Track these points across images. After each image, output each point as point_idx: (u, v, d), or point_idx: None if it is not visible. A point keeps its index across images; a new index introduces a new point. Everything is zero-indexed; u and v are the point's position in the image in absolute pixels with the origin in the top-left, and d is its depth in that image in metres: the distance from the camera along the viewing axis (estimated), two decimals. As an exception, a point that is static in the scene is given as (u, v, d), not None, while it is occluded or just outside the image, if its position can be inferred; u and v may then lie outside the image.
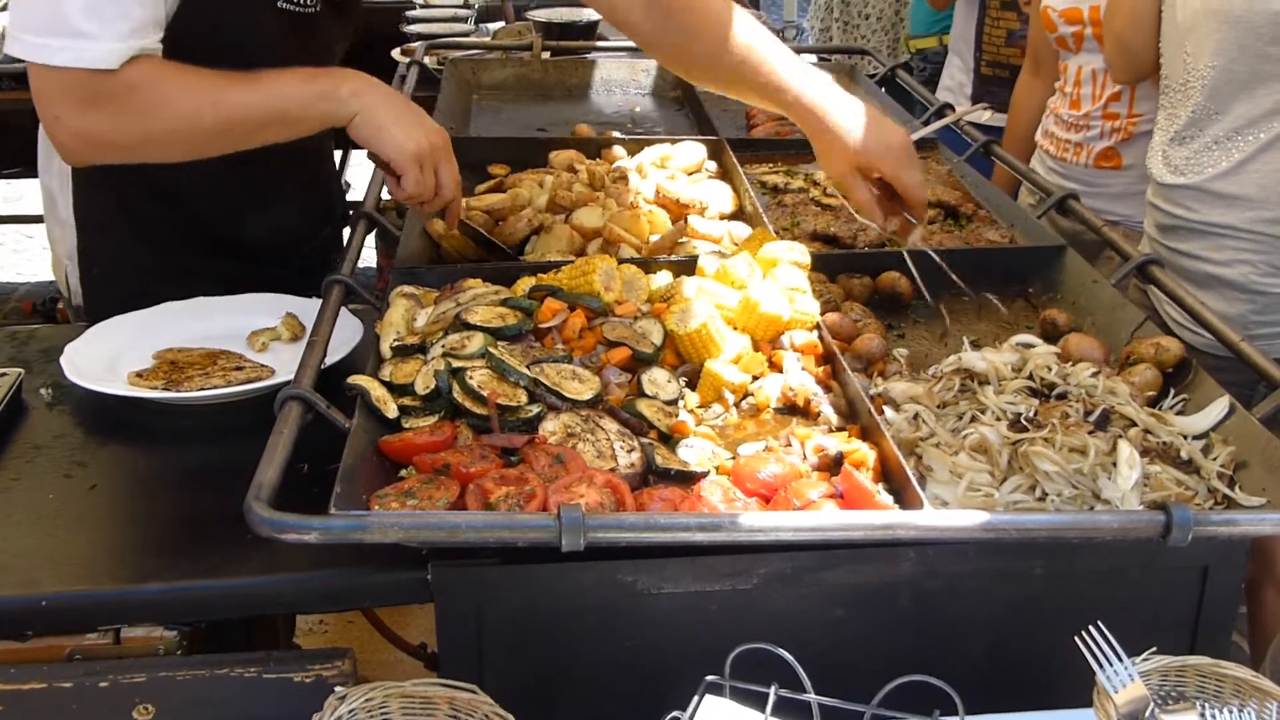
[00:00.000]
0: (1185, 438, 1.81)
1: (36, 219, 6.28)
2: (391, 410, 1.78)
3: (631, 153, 2.86)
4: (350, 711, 1.42)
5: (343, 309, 2.08)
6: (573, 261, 2.12)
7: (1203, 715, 1.42)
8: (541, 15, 4.55)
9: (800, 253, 2.17)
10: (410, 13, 5.26)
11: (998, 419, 1.80)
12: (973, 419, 1.82)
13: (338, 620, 3.49)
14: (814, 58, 4.11)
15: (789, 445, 1.79)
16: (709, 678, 1.40)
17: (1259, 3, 2.38)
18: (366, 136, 2.09)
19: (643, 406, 1.82)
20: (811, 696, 1.38)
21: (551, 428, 1.76)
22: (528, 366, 1.82)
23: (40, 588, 1.64)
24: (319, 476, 1.67)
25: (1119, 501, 1.66)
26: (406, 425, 1.77)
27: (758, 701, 1.38)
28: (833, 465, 1.72)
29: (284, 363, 2.11)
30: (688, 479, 1.70)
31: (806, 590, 1.66)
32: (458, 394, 1.77)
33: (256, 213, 2.56)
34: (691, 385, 1.93)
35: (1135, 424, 1.80)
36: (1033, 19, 3.43)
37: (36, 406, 2.09)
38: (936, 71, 4.46)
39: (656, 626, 1.66)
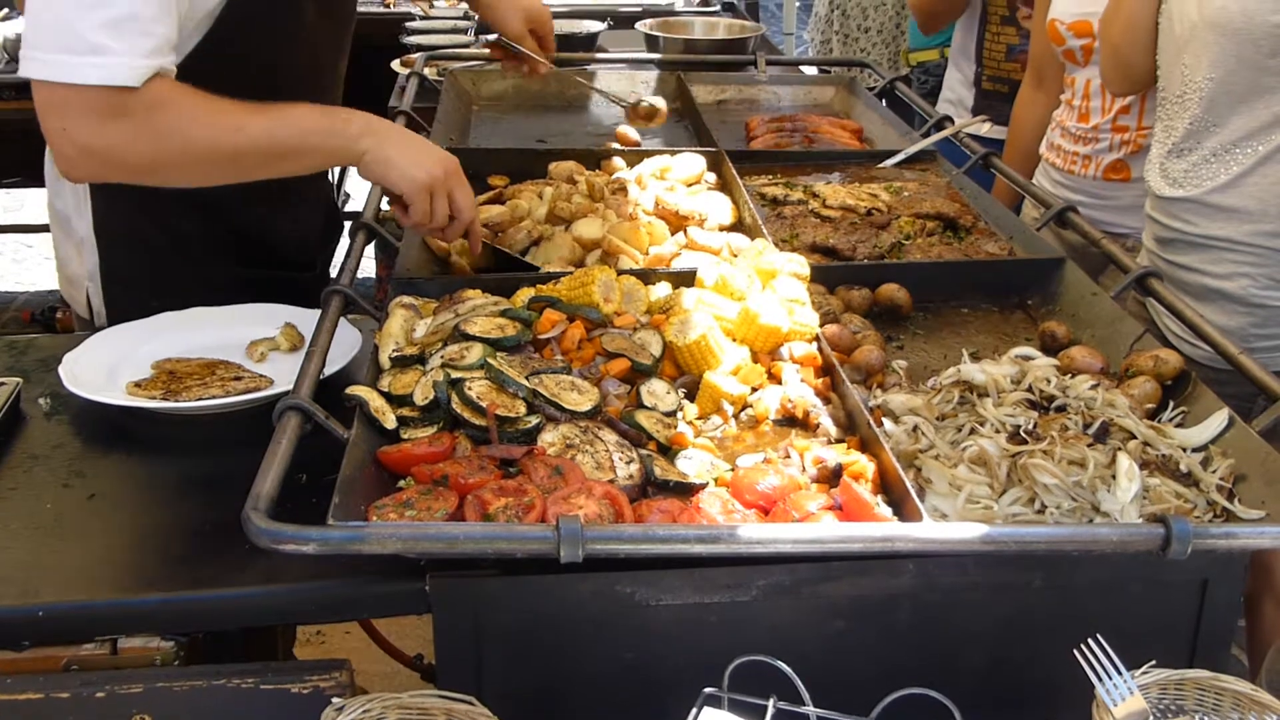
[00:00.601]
0: (1184, 450, 1.81)
1: (36, 228, 6.30)
2: (390, 421, 1.78)
3: (631, 164, 2.87)
4: (347, 723, 1.42)
5: (341, 319, 2.08)
6: (572, 273, 2.12)
7: (1202, 729, 1.42)
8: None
9: (799, 264, 2.18)
10: (410, 24, 5.26)
11: (997, 431, 1.80)
12: (972, 431, 1.81)
13: (335, 631, 3.50)
14: (814, 70, 4.12)
15: (788, 457, 1.79)
16: (707, 690, 1.40)
17: (1257, 15, 2.39)
18: (377, 174, 2.11)
19: (641, 418, 1.82)
20: (810, 709, 1.38)
21: (550, 439, 1.76)
22: (527, 378, 1.82)
23: (37, 598, 1.64)
24: (317, 487, 1.67)
25: (1118, 514, 1.66)
26: (405, 436, 1.77)
27: (756, 714, 1.37)
28: (832, 477, 1.72)
29: (282, 373, 2.11)
30: (686, 491, 1.70)
31: (805, 602, 1.66)
32: (456, 405, 1.77)
33: (280, 218, 2.59)
34: (690, 397, 1.93)
35: (1134, 437, 1.80)
36: (1035, 32, 3.43)
37: (35, 416, 2.09)
38: (937, 84, 4.47)
39: (655, 638, 1.65)
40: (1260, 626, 2.74)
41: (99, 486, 1.89)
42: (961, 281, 2.40)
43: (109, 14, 1.92)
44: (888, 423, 1.87)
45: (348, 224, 2.78)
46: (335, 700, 1.48)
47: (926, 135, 3.15)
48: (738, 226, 2.59)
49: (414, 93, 3.46)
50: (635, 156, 2.91)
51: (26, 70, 1.96)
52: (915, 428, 1.84)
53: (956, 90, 4.20)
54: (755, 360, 1.99)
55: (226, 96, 2.03)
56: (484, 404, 1.76)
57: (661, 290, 2.13)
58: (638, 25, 4.51)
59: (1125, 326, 2.13)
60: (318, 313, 2.04)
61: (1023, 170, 3.34)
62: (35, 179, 2.55)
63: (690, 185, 2.77)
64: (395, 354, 1.93)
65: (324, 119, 2.11)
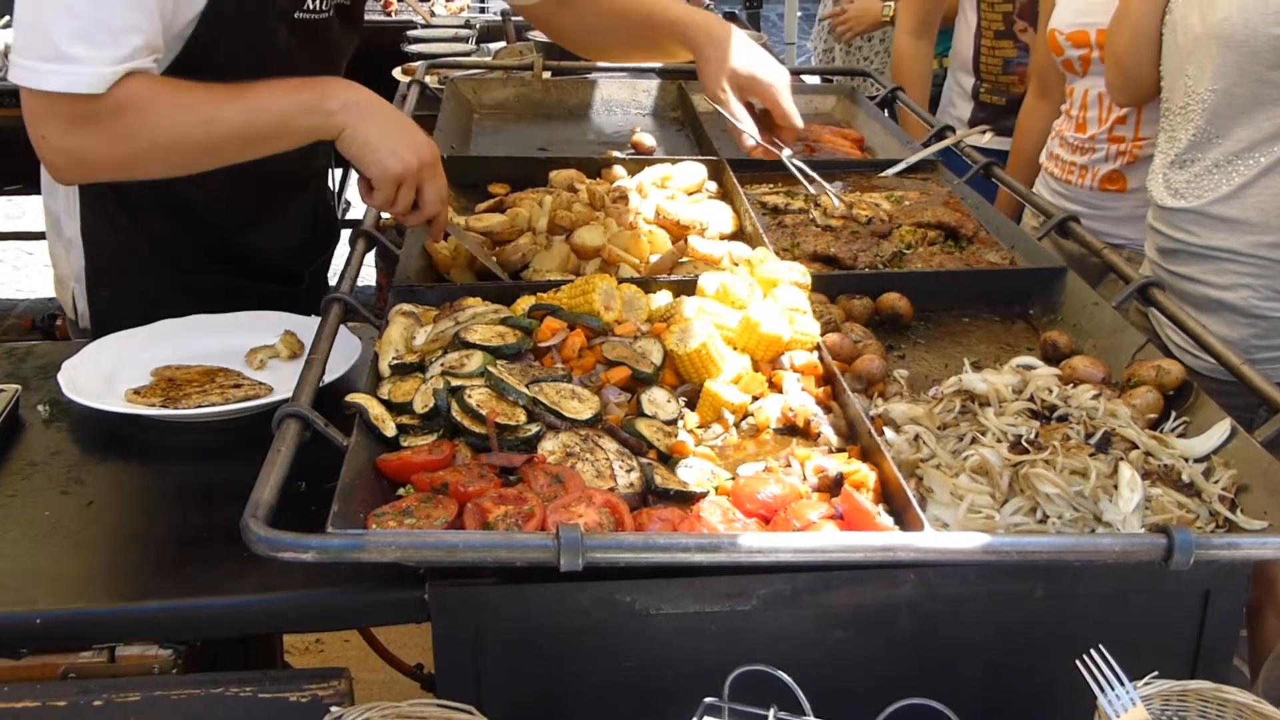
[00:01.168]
0: (1186, 460, 1.80)
1: (37, 235, 6.30)
2: (390, 429, 1.78)
3: (632, 172, 2.86)
4: (346, 732, 1.41)
5: (342, 327, 2.08)
6: (572, 280, 2.12)
7: (1205, 740, 1.42)
8: (543, 36, 4.55)
9: (800, 273, 2.17)
10: (412, 32, 5.28)
11: (998, 441, 1.80)
12: (973, 441, 1.81)
13: (333, 639, 3.49)
14: (816, 79, 4.12)
15: (789, 466, 1.78)
16: (707, 699, 1.39)
17: (1260, 27, 2.39)
18: (353, 154, 2.08)
19: (642, 426, 1.81)
20: (810, 719, 1.37)
21: (550, 447, 1.75)
22: (527, 385, 1.82)
23: (35, 605, 1.63)
24: (317, 495, 1.66)
25: (1120, 524, 1.65)
26: (405, 444, 1.77)
27: (756, 724, 1.37)
28: (833, 486, 1.72)
29: (282, 380, 2.11)
30: (687, 499, 1.69)
31: (806, 612, 1.65)
32: (456, 413, 1.77)
33: (265, 230, 2.57)
34: (691, 405, 1.93)
35: (1136, 446, 1.79)
36: (1038, 42, 3.44)
37: (33, 423, 2.08)
38: (937, 94, 4.48)
39: (655, 647, 1.65)
40: (1262, 637, 2.74)
41: (97, 494, 1.89)
42: (963, 291, 2.39)
43: (78, 23, 1.95)
44: (889, 432, 1.87)
45: (347, 232, 2.78)
46: (334, 709, 1.48)
47: (928, 145, 3.15)
48: (739, 235, 2.59)
49: (415, 101, 3.46)
50: (636, 165, 2.90)
51: (11, 76, 2.01)
52: (916, 437, 1.84)
53: (955, 102, 4.21)
54: (756, 369, 1.99)
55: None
56: (484, 412, 1.76)
57: (662, 299, 2.13)
58: (639, 34, 4.50)
59: (1127, 336, 2.13)
60: (317, 320, 2.04)
61: (1025, 180, 3.34)
62: (36, 187, 2.55)
63: (691, 194, 2.77)
64: (395, 362, 1.92)
65: (301, 94, 2.07)
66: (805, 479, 1.75)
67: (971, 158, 3.04)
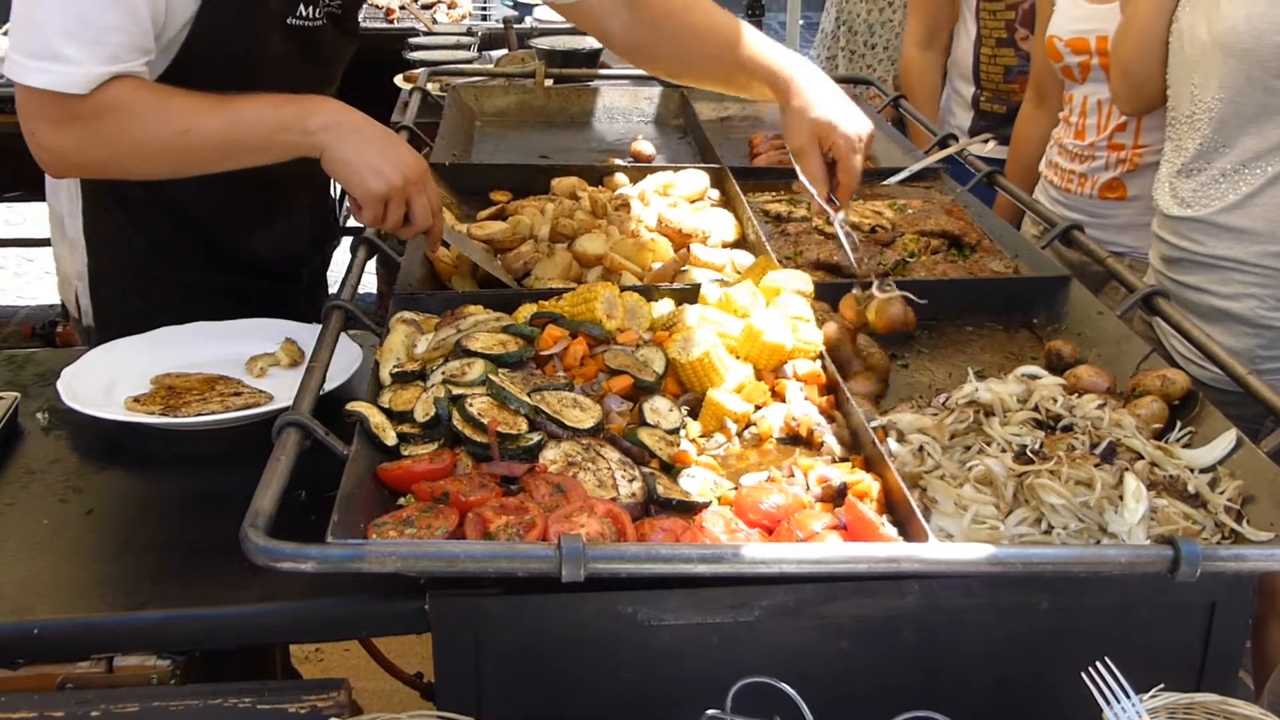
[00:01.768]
0: (1192, 471, 1.79)
1: (38, 242, 6.30)
2: (390, 437, 1.77)
3: (634, 180, 2.86)
4: (345, 744, 1.40)
5: (342, 334, 2.07)
6: (574, 288, 2.11)
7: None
8: (544, 43, 4.56)
9: (803, 281, 2.16)
10: (414, 39, 5.27)
11: (1003, 451, 1.79)
12: (979, 451, 1.80)
13: (333, 648, 3.48)
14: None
15: (792, 476, 1.77)
16: (710, 711, 1.38)
17: (1266, 36, 2.38)
18: (335, 173, 2.09)
19: (644, 435, 1.81)
20: (814, 732, 1.36)
21: (552, 456, 1.74)
22: (528, 394, 1.81)
23: (33, 615, 1.62)
24: (316, 504, 1.65)
25: (1125, 535, 1.64)
26: (405, 453, 1.76)
27: (760, 736, 1.36)
28: (836, 496, 1.71)
29: (282, 388, 2.10)
30: (689, 509, 1.68)
31: (809, 623, 1.64)
32: (457, 421, 1.76)
33: (263, 229, 2.58)
34: (693, 414, 1.92)
35: (1142, 457, 1.78)
36: (1037, 49, 3.43)
37: (32, 431, 2.07)
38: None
39: (657, 658, 1.64)
40: (1266, 649, 2.73)
41: (96, 502, 1.88)
42: (966, 299, 2.38)
43: (65, 21, 1.98)
44: (892, 442, 1.86)
45: (348, 238, 2.77)
46: (333, 720, 1.47)
47: (930, 153, 3.14)
48: (741, 243, 2.58)
49: (417, 108, 3.45)
50: (638, 173, 2.90)
51: (5, 70, 2.10)
52: (921, 448, 1.83)
53: (955, 111, 4.20)
54: (759, 378, 1.98)
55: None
56: (485, 421, 1.75)
57: (664, 307, 2.12)
58: (641, 42, 4.50)
59: (1132, 346, 2.12)
60: (318, 328, 2.03)
61: (1025, 187, 3.33)
62: (36, 193, 2.55)
63: (693, 202, 2.76)
64: (396, 370, 1.91)
65: (282, 111, 2.08)
66: (808, 489, 1.74)
67: (975, 166, 3.03)
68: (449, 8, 6.22)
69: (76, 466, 1.97)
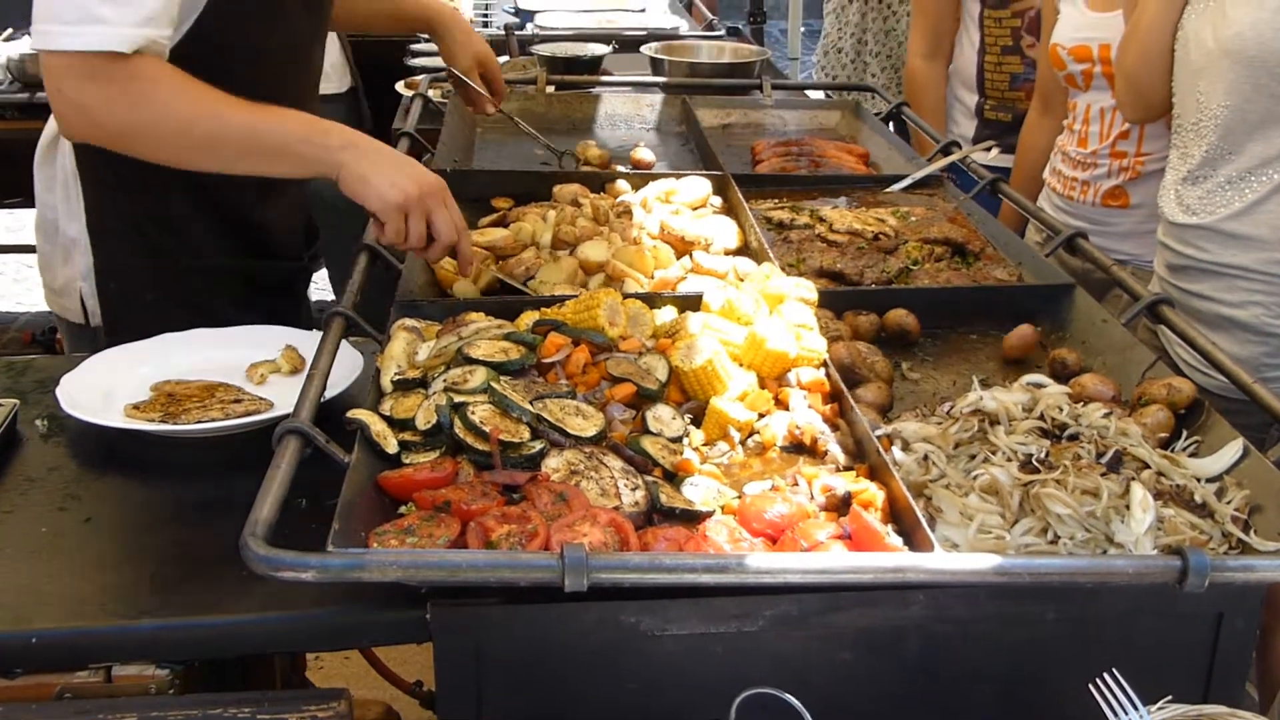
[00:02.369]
0: (1199, 481, 1.78)
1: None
2: (392, 445, 1.76)
3: (636, 187, 2.85)
4: (346, 755, 1.39)
5: (343, 341, 2.06)
6: (577, 296, 2.10)
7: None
8: (546, 50, 4.55)
9: (807, 289, 2.15)
10: (415, 45, 5.26)
11: (1008, 460, 1.78)
12: (985, 460, 1.79)
13: (333, 656, 3.46)
14: (820, 94, 4.12)
15: (796, 484, 1.76)
16: (714, 723, 1.37)
17: (1272, 43, 2.37)
18: (353, 190, 2.12)
19: (647, 444, 1.79)
20: (819, 744, 1.35)
21: (554, 465, 1.73)
22: (530, 402, 1.80)
23: (31, 624, 1.61)
24: (317, 512, 1.64)
25: (1132, 545, 1.63)
26: (407, 461, 1.75)
27: (764, 749, 1.35)
28: (841, 505, 1.69)
29: (283, 395, 2.09)
30: (693, 518, 1.67)
31: (813, 633, 1.63)
32: (459, 429, 1.75)
33: (277, 202, 2.62)
34: (696, 422, 1.91)
35: (1148, 466, 1.77)
36: (1041, 56, 3.43)
37: (31, 438, 2.06)
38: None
39: (660, 669, 1.62)
40: (1270, 660, 2.71)
41: (95, 510, 1.87)
42: (970, 307, 2.38)
43: None
44: (897, 451, 1.85)
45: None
46: (333, 731, 1.45)
47: (933, 160, 3.13)
48: (743, 250, 2.57)
49: (418, 114, 3.45)
50: (640, 180, 2.89)
51: (35, 42, 2.08)
52: (926, 457, 1.82)
53: (958, 120, 4.19)
54: (762, 386, 1.97)
55: (215, 87, 2.11)
56: (487, 429, 1.74)
57: (667, 314, 2.11)
58: (643, 49, 4.51)
59: (1137, 354, 2.11)
60: (318, 335, 2.03)
61: (1029, 195, 3.33)
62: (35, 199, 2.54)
63: (696, 209, 2.75)
64: (397, 377, 1.90)
65: (305, 126, 2.15)
66: (813, 498, 1.73)
67: (978, 173, 3.02)
68: (450, 14, 6.21)
69: (75, 474, 1.96)
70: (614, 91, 3.84)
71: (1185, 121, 2.64)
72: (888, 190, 3.01)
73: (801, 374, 1.98)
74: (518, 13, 5.88)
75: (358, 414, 1.77)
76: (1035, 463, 1.75)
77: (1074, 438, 1.83)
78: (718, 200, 2.82)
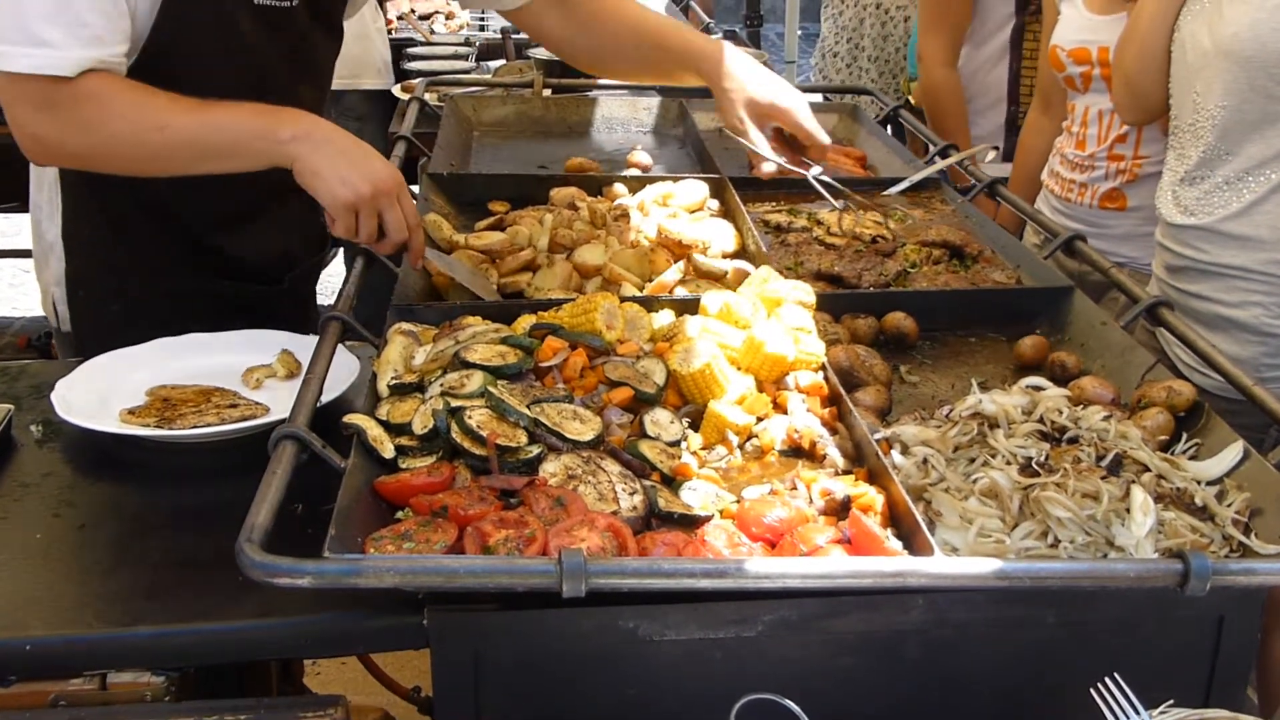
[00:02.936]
0: (1199, 483, 1.78)
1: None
2: (388, 450, 1.75)
3: (633, 190, 2.84)
4: (342, 762, 1.38)
5: (340, 346, 2.05)
6: (574, 299, 2.09)
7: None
8: (542, 53, 4.54)
9: (805, 292, 2.15)
10: (411, 49, 5.27)
11: (1008, 463, 1.77)
12: (984, 463, 1.78)
13: (329, 662, 3.45)
14: (818, 97, 4.11)
15: (795, 488, 1.75)
16: (713, 729, 1.37)
17: (1270, 43, 2.37)
18: (305, 184, 2.12)
19: (645, 448, 1.79)
20: (819, 750, 1.35)
21: (552, 469, 1.73)
22: (528, 406, 1.79)
23: (25, 631, 1.60)
24: (313, 517, 1.64)
25: (1133, 549, 1.62)
26: (403, 465, 1.74)
27: (764, 755, 1.34)
28: (840, 510, 1.69)
29: (279, 400, 2.08)
30: (691, 523, 1.67)
31: (813, 638, 1.62)
32: (456, 434, 1.74)
33: (254, 229, 2.58)
34: (694, 426, 1.90)
35: (1148, 469, 1.76)
36: (1041, 58, 3.43)
37: (26, 443, 2.05)
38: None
39: (659, 674, 1.62)
40: (1270, 664, 2.70)
41: (90, 516, 1.86)
42: (969, 310, 2.37)
43: (44, 6, 2.02)
44: (896, 455, 1.84)
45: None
46: (330, 738, 1.45)
47: (930, 163, 3.13)
48: (741, 254, 2.56)
49: (414, 118, 3.44)
50: (637, 183, 2.88)
51: None
52: (925, 460, 1.81)
53: (986, 132, 4.18)
54: (760, 389, 1.96)
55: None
56: (484, 433, 1.73)
57: (665, 318, 2.10)
58: (640, 52, 4.49)
59: (1136, 356, 2.10)
60: (315, 339, 2.02)
61: (1028, 196, 3.32)
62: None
63: (693, 212, 2.75)
64: (394, 382, 1.90)
65: (257, 120, 2.13)
66: (811, 502, 1.72)
67: (976, 176, 3.02)
68: (447, 18, 6.22)
69: (70, 479, 1.96)
70: (611, 95, 3.82)
71: (1182, 122, 2.64)
72: (885, 193, 3.00)
73: (800, 377, 1.97)
74: (514, 16, 5.87)
75: (354, 419, 1.77)
76: (1035, 466, 1.74)
77: (1074, 441, 1.82)
78: (715, 203, 2.81)
